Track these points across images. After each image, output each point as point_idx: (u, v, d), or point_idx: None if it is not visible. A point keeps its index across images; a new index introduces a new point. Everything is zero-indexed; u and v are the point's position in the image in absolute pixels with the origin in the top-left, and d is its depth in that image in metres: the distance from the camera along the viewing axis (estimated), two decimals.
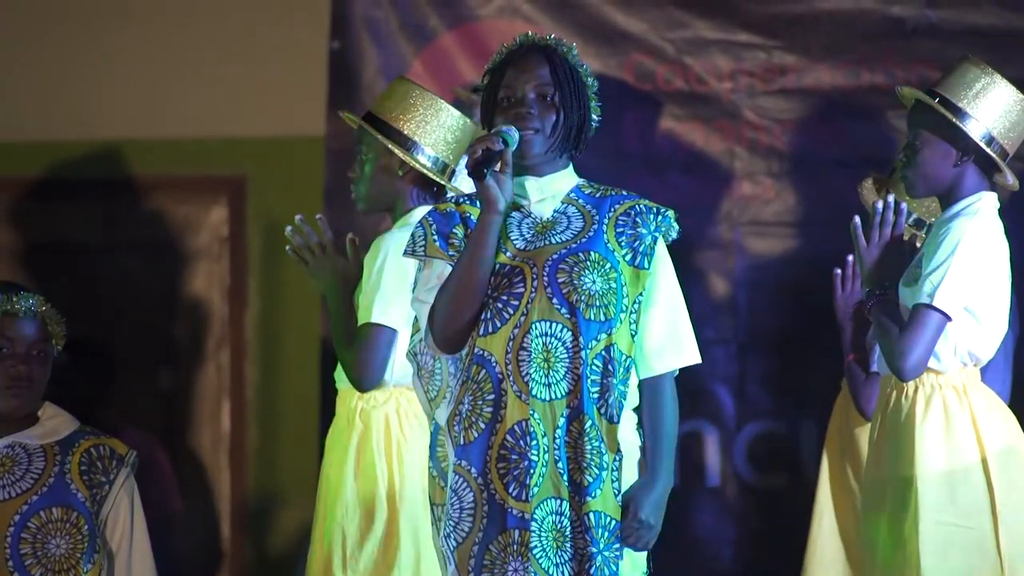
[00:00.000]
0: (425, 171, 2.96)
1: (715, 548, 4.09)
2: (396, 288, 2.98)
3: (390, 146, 2.96)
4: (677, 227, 2.25)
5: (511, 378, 2.16)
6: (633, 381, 2.23)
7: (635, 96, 4.30)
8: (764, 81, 4.26)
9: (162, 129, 4.80)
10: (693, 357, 2.25)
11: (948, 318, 2.49)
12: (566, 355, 2.17)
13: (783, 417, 4.17)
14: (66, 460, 2.37)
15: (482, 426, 2.19)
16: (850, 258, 3.05)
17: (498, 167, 2.10)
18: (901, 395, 2.58)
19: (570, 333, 2.16)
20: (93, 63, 4.76)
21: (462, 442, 2.21)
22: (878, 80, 4.13)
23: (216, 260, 4.85)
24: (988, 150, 2.59)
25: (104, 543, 2.38)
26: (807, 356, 4.06)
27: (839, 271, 3.17)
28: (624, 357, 2.18)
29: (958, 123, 2.58)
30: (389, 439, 3.15)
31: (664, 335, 2.22)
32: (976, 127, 2.59)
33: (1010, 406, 2.69)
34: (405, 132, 2.96)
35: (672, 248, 2.27)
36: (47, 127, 4.78)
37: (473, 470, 2.20)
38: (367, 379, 3.05)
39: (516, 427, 2.17)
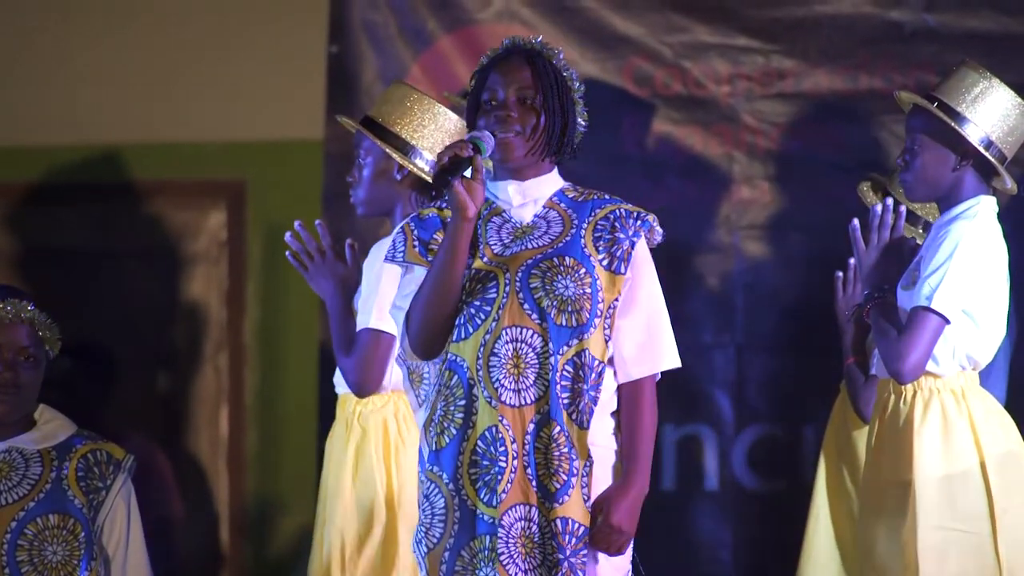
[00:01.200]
0: (423, 175, 2.95)
1: (713, 552, 4.09)
2: (394, 293, 2.98)
3: (388, 151, 2.96)
4: (660, 231, 2.24)
5: (482, 383, 2.16)
6: (610, 386, 2.22)
7: (633, 100, 4.30)
8: (762, 85, 4.26)
9: (160, 133, 4.80)
10: (672, 362, 2.25)
11: (946, 321, 2.49)
12: (536, 361, 2.16)
13: (782, 421, 4.16)
14: (63, 465, 2.35)
15: (453, 431, 2.19)
16: (851, 261, 3.04)
17: (468, 173, 2.09)
18: (899, 399, 2.58)
19: (540, 339, 2.16)
20: (91, 67, 4.76)
21: (434, 447, 2.21)
22: (876, 84, 4.13)
23: (215, 264, 4.84)
24: (987, 154, 2.59)
25: (101, 549, 2.37)
26: (806, 360, 4.05)
27: (840, 274, 3.16)
28: (597, 363, 2.17)
29: (956, 127, 2.58)
30: (388, 443, 3.15)
31: (642, 340, 2.22)
32: (974, 131, 2.59)
33: (1007, 409, 2.69)
34: (403, 136, 2.96)
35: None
36: (44, 131, 4.78)
37: (445, 476, 2.19)
38: (366, 384, 3.05)
39: (487, 432, 2.17)
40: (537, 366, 2.16)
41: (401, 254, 2.24)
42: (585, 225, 2.21)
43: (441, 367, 2.22)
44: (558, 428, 2.15)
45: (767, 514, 4.07)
